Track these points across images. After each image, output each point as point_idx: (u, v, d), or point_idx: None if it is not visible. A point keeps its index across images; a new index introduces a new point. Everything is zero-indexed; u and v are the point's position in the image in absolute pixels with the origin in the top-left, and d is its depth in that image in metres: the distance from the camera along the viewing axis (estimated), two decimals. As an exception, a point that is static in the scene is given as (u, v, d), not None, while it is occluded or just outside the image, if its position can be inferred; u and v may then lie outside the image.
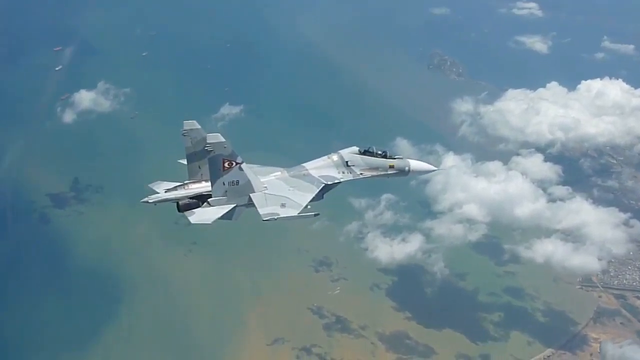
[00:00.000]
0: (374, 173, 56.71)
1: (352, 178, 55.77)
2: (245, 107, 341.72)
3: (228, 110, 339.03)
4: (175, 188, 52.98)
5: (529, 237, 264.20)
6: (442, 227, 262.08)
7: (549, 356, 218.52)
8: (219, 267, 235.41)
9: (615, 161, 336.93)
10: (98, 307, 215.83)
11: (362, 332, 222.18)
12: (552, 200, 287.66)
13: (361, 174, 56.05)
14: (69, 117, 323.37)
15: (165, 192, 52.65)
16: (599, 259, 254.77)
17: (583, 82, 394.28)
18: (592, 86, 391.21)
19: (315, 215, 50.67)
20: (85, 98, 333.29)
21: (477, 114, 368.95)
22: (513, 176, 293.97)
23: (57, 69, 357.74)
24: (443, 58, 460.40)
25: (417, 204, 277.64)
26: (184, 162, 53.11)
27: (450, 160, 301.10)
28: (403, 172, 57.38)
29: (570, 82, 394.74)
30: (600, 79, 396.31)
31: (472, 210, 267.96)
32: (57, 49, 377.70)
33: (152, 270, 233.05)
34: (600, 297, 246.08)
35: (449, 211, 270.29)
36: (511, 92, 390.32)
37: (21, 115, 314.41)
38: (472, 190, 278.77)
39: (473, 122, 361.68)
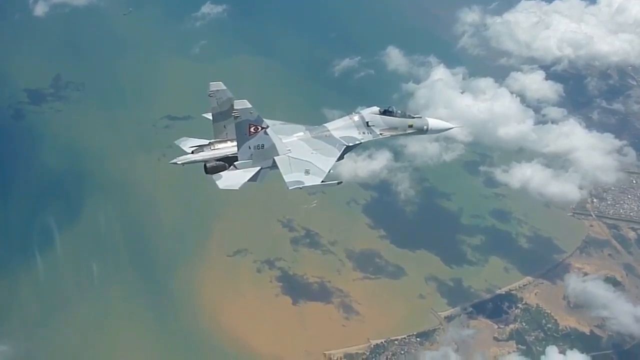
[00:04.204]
0: (393, 133, 57.68)
1: (372, 138, 56.72)
2: (228, 6, 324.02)
3: (209, 9, 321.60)
4: (201, 147, 53.75)
5: (509, 160, 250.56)
6: (415, 145, 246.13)
7: (525, 285, 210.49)
8: (191, 174, 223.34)
9: (635, 82, 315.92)
10: (60, 208, 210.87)
11: (331, 248, 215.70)
12: (542, 122, 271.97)
13: (381, 134, 56.95)
14: (40, 9, 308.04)
15: (192, 152, 53.45)
16: (580, 188, 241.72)
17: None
18: (614, 0, 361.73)
19: (338, 183, 52.13)
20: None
21: (483, 25, 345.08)
22: (502, 94, 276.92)
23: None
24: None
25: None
26: (209, 116, 53.81)
27: (440, 73, 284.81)
28: (422, 130, 58.48)
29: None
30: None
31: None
32: None
33: (122, 173, 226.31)
34: (591, 226, 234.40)
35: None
36: (524, 3, 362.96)
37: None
38: (456, 107, 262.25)
39: (476, 33, 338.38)
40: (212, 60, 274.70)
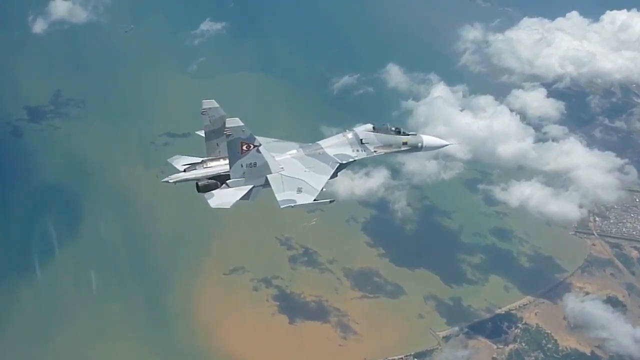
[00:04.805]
0: (387, 150, 57.04)
1: (366, 156, 56.12)
2: (227, 23, 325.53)
3: (208, 26, 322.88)
4: (193, 165, 53.05)
5: (508, 178, 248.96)
6: (414, 163, 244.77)
7: (525, 304, 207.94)
8: (190, 190, 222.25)
9: (639, 100, 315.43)
10: (56, 225, 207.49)
11: (329, 266, 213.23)
12: (543, 140, 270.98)
13: (375, 151, 56.32)
14: (39, 27, 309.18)
15: (184, 170, 52.77)
16: (580, 207, 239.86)
17: (608, 12, 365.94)
18: (617, 17, 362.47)
19: (330, 201, 51.06)
20: (60, 8, 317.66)
21: (485, 42, 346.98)
22: (501, 112, 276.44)
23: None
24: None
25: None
26: (202, 134, 53.33)
27: (440, 90, 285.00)
28: (416, 148, 57.58)
29: (595, 13, 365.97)
30: (628, 10, 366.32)
31: (451, 145, 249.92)
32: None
33: (120, 190, 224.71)
34: (593, 245, 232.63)
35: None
36: (526, 21, 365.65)
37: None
38: (456, 125, 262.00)
39: (477, 50, 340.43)
40: (211, 77, 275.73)
